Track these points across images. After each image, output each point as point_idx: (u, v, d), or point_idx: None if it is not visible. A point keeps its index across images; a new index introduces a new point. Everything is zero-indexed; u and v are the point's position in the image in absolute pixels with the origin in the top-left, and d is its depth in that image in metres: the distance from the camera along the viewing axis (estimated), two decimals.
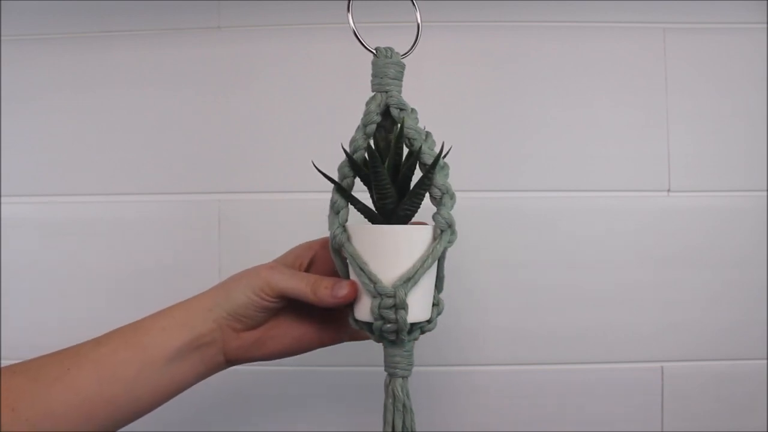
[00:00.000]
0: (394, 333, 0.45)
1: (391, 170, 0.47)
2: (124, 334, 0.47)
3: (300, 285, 0.47)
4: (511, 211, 0.67)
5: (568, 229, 0.66)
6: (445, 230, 0.45)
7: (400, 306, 0.44)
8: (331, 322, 0.51)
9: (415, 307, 0.45)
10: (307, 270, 0.51)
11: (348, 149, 0.48)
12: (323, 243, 0.52)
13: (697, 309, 0.67)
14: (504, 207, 0.67)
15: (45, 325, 0.68)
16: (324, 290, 0.47)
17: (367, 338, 0.50)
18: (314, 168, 0.49)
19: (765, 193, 0.66)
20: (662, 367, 0.67)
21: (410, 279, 0.44)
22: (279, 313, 0.49)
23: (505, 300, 0.67)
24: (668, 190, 0.67)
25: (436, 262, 0.46)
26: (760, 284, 0.66)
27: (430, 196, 0.47)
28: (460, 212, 0.65)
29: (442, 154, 0.47)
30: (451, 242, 0.46)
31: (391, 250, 0.45)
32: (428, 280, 0.46)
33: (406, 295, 0.44)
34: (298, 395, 0.68)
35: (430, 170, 0.45)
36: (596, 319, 0.67)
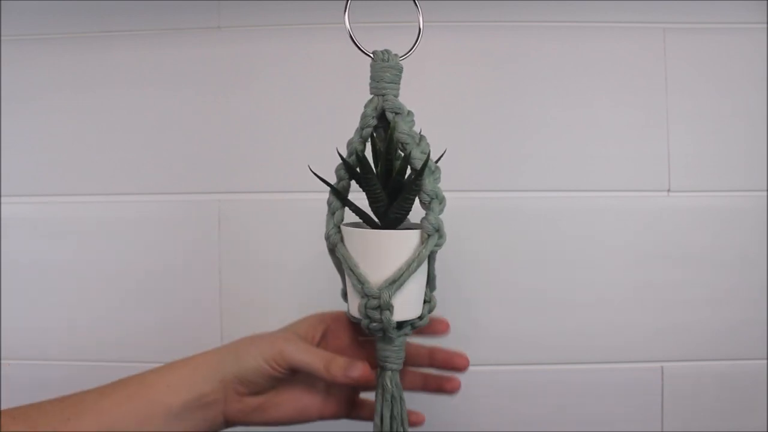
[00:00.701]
0: (381, 331, 0.47)
1: (384, 174, 0.48)
2: (129, 386, 0.47)
3: (314, 360, 0.48)
4: (511, 211, 0.67)
5: (568, 229, 0.66)
6: (432, 234, 0.46)
7: (385, 307, 0.46)
8: (335, 397, 0.53)
9: (404, 306, 0.47)
10: (319, 343, 0.53)
11: (346, 150, 0.49)
12: (335, 317, 0.54)
13: (697, 309, 0.67)
14: (504, 207, 0.67)
15: (45, 325, 0.68)
16: (337, 369, 0.48)
17: (367, 419, 0.53)
18: (316, 169, 0.49)
19: (765, 193, 0.66)
20: (662, 367, 0.67)
21: (395, 282, 0.46)
22: (284, 382, 0.50)
23: (505, 300, 0.67)
24: (668, 190, 0.67)
25: (426, 263, 0.48)
26: (760, 284, 0.66)
27: (420, 200, 0.47)
28: (460, 212, 0.65)
29: (435, 159, 0.48)
30: (439, 245, 0.47)
31: (379, 253, 0.47)
32: (417, 281, 0.48)
33: (390, 297, 0.46)
34: None
35: (418, 176, 0.46)
36: (596, 319, 0.67)
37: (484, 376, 0.67)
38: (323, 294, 0.67)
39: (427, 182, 0.47)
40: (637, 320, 0.67)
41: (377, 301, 0.46)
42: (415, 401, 0.66)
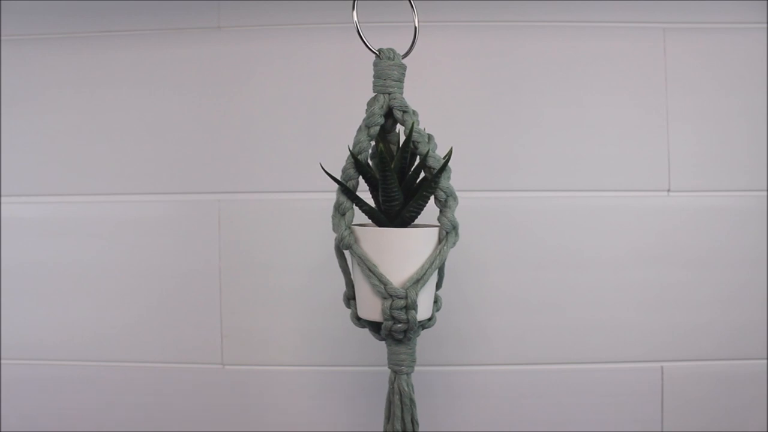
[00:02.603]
0: (403, 333, 0.47)
1: (398, 173, 0.47)
2: None
3: None
4: (511, 211, 0.67)
5: (567, 229, 0.66)
6: (450, 232, 0.47)
7: (411, 307, 0.45)
8: None
9: (422, 306, 0.47)
10: None
11: (352, 150, 0.49)
12: None
13: (696, 309, 0.66)
14: (504, 207, 0.67)
15: (45, 325, 0.68)
16: None
17: None
18: (317, 169, 0.49)
19: (765, 193, 0.66)
20: (662, 367, 0.67)
21: (419, 280, 0.46)
22: None
23: (504, 300, 0.67)
24: (668, 190, 0.67)
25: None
26: (760, 284, 0.66)
27: (435, 198, 0.47)
28: (460, 212, 0.65)
29: (447, 157, 0.48)
30: (454, 244, 0.47)
31: (398, 252, 0.46)
32: (433, 281, 0.48)
33: (417, 296, 0.45)
34: (298, 395, 0.68)
35: (438, 174, 0.46)
36: (596, 319, 0.67)
37: (482, 376, 0.67)
38: (323, 294, 0.67)
39: (443, 180, 0.47)
40: (637, 320, 0.67)
41: (404, 301, 0.45)
42: (416, 401, 0.66)
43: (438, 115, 0.65)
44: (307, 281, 0.67)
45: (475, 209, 0.66)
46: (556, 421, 0.67)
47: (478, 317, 0.67)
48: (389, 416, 0.49)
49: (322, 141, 0.66)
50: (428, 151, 0.47)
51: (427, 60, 0.66)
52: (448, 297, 0.65)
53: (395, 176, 0.47)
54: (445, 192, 0.47)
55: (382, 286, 0.46)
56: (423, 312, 0.47)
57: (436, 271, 0.48)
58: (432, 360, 0.67)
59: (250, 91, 0.68)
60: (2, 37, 0.69)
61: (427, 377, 0.67)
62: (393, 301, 0.45)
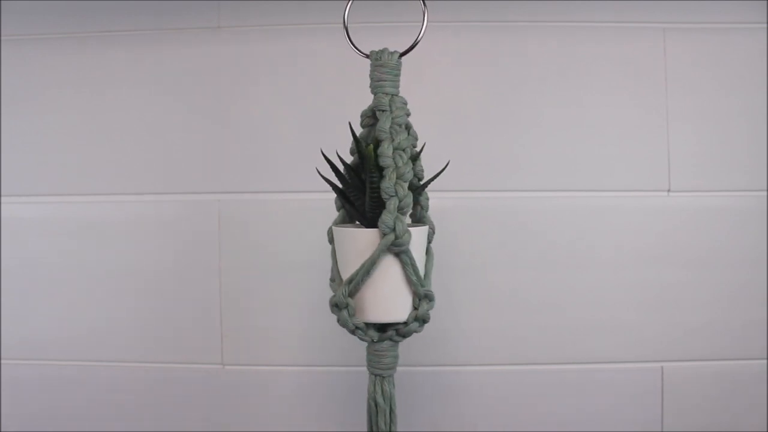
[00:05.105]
0: (350, 331, 0.48)
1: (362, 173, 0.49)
2: None
3: None
4: (510, 211, 0.66)
5: (567, 229, 0.66)
6: (387, 234, 0.45)
7: (341, 306, 0.47)
8: None
9: (376, 308, 0.47)
10: None
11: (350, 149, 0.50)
12: None
13: (696, 309, 0.66)
14: (504, 207, 0.66)
15: (45, 325, 0.68)
16: None
17: None
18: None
19: (765, 193, 0.66)
20: (662, 367, 0.67)
21: (351, 281, 0.46)
22: None
23: (505, 300, 0.67)
24: (668, 190, 0.67)
25: (398, 265, 0.46)
26: (760, 284, 0.66)
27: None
28: (461, 212, 0.65)
29: (418, 153, 0.49)
30: (397, 245, 0.45)
31: (345, 251, 0.48)
32: (386, 282, 0.47)
33: (344, 295, 0.46)
34: (298, 395, 0.68)
35: (372, 173, 0.46)
36: (596, 319, 0.66)
37: (482, 376, 0.67)
38: (324, 294, 0.67)
39: (387, 179, 0.45)
40: (637, 320, 0.67)
41: (334, 299, 0.47)
42: (414, 400, 0.67)
43: (437, 116, 0.65)
44: (307, 281, 0.67)
45: (475, 209, 0.66)
46: (556, 421, 0.67)
47: (477, 317, 0.67)
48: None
49: (322, 141, 0.66)
50: (362, 150, 0.48)
51: (427, 60, 0.66)
52: (448, 297, 0.65)
53: (345, 177, 0.49)
54: (386, 192, 0.45)
55: (330, 282, 0.49)
56: (380, 314, 0.47)
57: (392, 273, 0.46)
58: (430, 360, 0.67)
59: (250, 91, 0.68)
60: (2, 37, 0.69)
61: (424, 377, 0.67)
62: (330, 297, 0.48)
